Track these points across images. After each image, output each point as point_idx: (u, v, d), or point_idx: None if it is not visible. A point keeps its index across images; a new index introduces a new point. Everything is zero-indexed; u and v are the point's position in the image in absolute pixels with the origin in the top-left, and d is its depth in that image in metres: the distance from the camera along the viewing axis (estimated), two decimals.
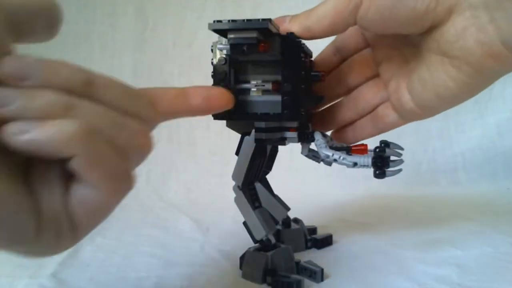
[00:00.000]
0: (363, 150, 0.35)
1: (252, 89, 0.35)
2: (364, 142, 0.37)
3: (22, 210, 0.20)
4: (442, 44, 0.31)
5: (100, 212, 0.23)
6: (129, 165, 0.23)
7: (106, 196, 0.22)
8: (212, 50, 0.36)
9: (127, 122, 0.23)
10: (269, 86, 0.35)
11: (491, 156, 0.81)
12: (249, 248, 0.39)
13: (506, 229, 0.50)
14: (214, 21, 0.32)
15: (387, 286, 0.36)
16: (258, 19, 0.31)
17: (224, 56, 0.34)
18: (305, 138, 0.37)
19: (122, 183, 0.23)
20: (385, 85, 0.38)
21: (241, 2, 0.89)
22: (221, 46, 0.34)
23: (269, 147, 0.41)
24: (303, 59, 0.35)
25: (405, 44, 0.36)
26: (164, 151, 0.82)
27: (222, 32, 0.32)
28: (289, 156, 0.76)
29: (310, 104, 0.38)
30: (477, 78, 0.31)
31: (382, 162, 0.34)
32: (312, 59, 0.40)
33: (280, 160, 0.44)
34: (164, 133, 0.84)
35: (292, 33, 0.33)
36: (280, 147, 0.41)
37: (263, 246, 0.38)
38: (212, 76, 0.35)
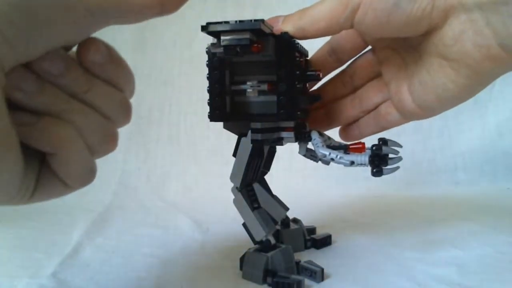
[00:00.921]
0: (360, 148, 0.35)
1: (248, 90, 0.35)
2: (364, 140, 0.37)
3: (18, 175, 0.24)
4: (441, 48, 0.31)
5: (60, 194, 0.27)
6: (94, 161, 0.28)
7: (71, 189, 0.27)
8: (207, 52, 0.36)
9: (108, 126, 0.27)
10: (265, 86, 0.35)
11: (491, 156, 0.81)
12: (249, 248, 0.39)
13: (506, 229, 0.50)
14: (207, 23, 0.31)
15: (387, 286, 0.36)
16: (250, 20, 0.31)
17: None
18: (302, 137, 0.37)
19: (89, 178, 0.27)
20: (386, 85, 0.38)
21: (241, 2, 0.89)
22: (214, 48, 0.34)
23: (266, 148, 0.41)
24: (297, 58, 0.35)
25: (405, 46, 0.36)
26: (164, 151, 0.83)
27: (215, 34, 0.32)
28: (289, 156, 0.76)
29: (306, 104, 0.38)
30: (476, 80, 0.31)
31: (380, 160, 0.34)
32: (308, 58, 0.40)
33: (279, 160, 0.44)
34: (164, 133, 0.84)
35: (286, 33, 0.33)
36: (279, 147, 0.41)
37: (263, 246, 0.38)
38: (208, 78, 0.35)
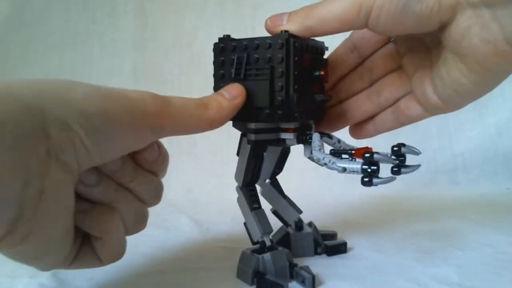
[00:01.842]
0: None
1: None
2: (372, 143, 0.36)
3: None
4: (452, 43, 0.32)
5: (92, 267, 0.31)
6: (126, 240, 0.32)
7: (103, 264, 0.31)
8: (214, 50, 0.35)
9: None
10: None
11: (491, 156, 0.81)
12: (247, 248, 0.39)
13: (506, 229, 0.50)
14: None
15: (387, 286, 0.36)
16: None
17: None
18: (303, 139, 0.37)
19: (120, 256, 0.31)
20: (409, 78, 0.38)
21: (241, 2, 0.89)
22: None
23: (275, 149, 0.40)
24: (296, 58, 0.33)
25: (427, 38, 0.36)
26: None
27: None
28: (289, 156, 0.76)
29: (312, 105, 0.36)
30: (487, 75, 0.32)
31: (372, 169, 0.31)
32: (325, 56, 0.38)
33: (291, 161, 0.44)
34: None
35: (286, 32, 0.33)
36: (293, 148, 0.40)
37: (260, 247, 0.38)
38: (214, 76, 0.35)
